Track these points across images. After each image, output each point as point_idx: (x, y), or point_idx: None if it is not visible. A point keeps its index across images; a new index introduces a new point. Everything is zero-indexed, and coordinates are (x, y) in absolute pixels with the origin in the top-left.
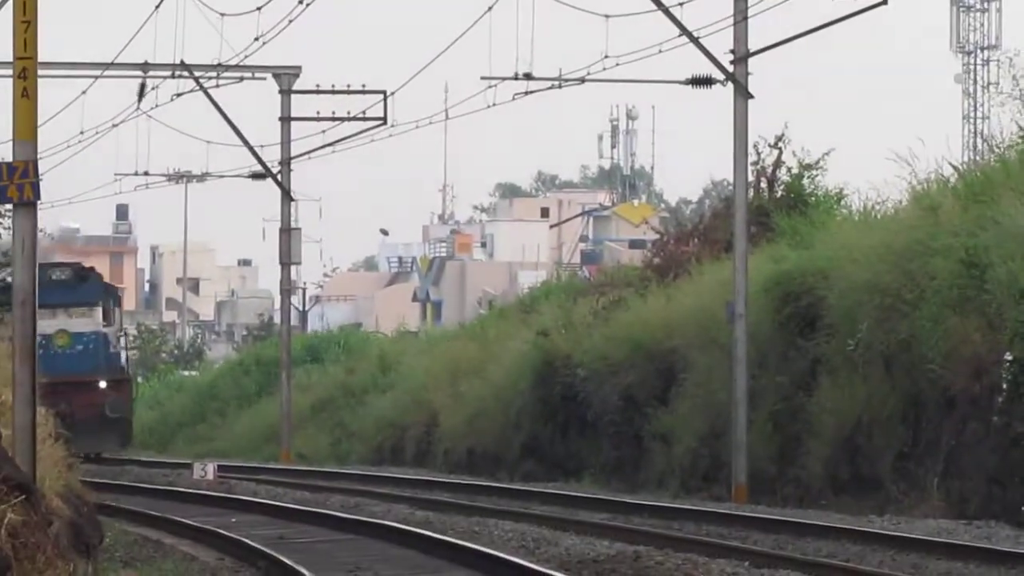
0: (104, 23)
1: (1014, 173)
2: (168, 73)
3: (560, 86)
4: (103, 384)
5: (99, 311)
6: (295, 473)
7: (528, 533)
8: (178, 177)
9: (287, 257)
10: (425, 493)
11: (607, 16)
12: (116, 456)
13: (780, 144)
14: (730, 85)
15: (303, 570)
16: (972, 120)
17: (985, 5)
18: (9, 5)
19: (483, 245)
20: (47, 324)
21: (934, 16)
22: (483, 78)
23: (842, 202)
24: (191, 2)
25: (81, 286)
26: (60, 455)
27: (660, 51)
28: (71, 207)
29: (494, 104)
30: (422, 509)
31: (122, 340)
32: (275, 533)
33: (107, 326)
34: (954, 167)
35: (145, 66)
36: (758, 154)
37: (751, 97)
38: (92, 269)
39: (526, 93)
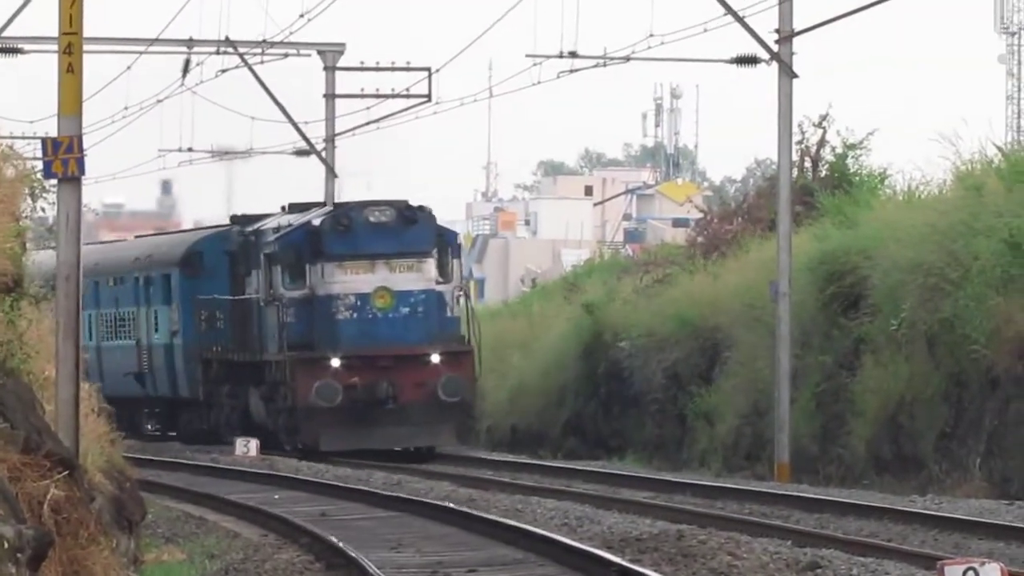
0: None
1: None
2: (213, 49)
3: (605, 64)
4: (436, 358)
5: (431, 263)
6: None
7: (571, 511)
8: (222, 153)
9: None
10: (467, 470)
11: None
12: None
13: (824, 124)
14: (775, 64)
15: (346, 547)
16: (1016, 101)
17: None
18: None
19: (527, 223)
20: (362, 280)
21: None
22: (528, 56)
23: (885, 182)
24: None
25: (408, 230)
26: (103, 430)
27: (705, 30)
28: (115, 183)
29: (539, 82)
30: (464, 487)
31: (462, 301)
32: (317, 510)
33: (442, 283)
34: (998, 147)
35: (190, 42)
36: (802, 133)
37: (795, 76)
38: (422, 208)
39: (571, 71)
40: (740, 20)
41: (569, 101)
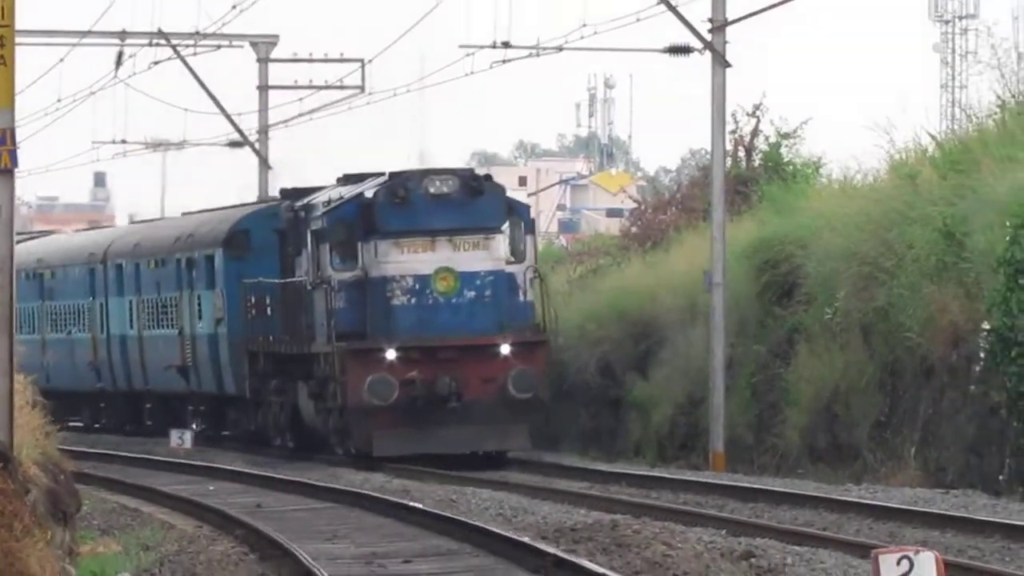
0: None
1: (992, 142)
2: (146, 41)
3: (538, 54)
4: (506, 349)
5: (501, 240)
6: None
7: (505, 501)
8: (155, 145)
9: None
10: (401, 462)
11: None
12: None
13: (758, 113)
14: (708, 54)
15: (280, 538)
16: (950, 89)
17: None
18: None
19: None
20: (422, 260)
21: None
22: (461, 46)
23: (820, 171)
24: None
25: (474, 202)
26: (37, 423)
27: (638, 19)
28: (49, 176)
29: (472, 72)
30: (399, 478)
31: (535, 284)
32: (253, 501)
33: (513, 263)
34: (932, 136)
35: (123, 34)
36: (736, 123)
37: (729, 66)
38: (489, 178)
39: (504, 61)
40: (673, 9)
41: (502, 92)
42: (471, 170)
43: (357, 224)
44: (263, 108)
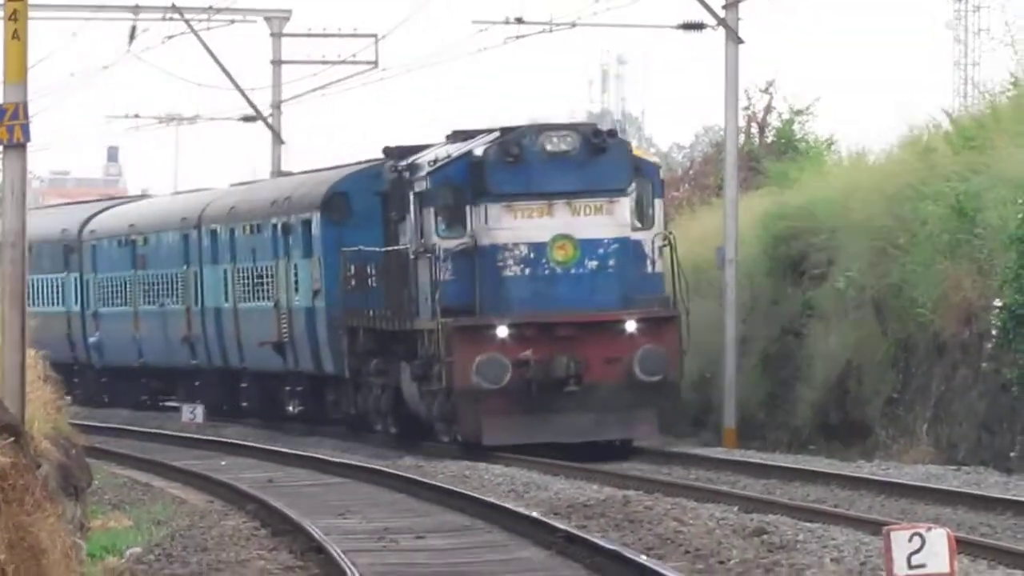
0: None
1: (1005, 119)
2: (159, 16)
3: (551, 30)
4: (632, 326)
5: (626, 203)
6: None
7: (518, 477)
8: (168, 119)
9: None
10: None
11: None
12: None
13: (770, 90)
14: (721, 30)
15: (292, 513)
16: (963, 67)
17: None
18: None
19: None
20: (537, 225)
21: None
22: (474, 22)
23: (832, 148)
24: None
25: (596, 161)
26: (49, 397)
27: None
28: (62, 150)
29: (485, 48)
30: (411, 454)
31: (666, 253)
32: (264, 477)
33: (641, 229)
34: (946, 113)
35: (136, 8)
36: (748, 99)
37: (742, 42)
38: (614, 133)
39: (517, 37)
40: None
41: (516, 67)
42: (593, 125)
43: (465, 186)
44: (276, 83)
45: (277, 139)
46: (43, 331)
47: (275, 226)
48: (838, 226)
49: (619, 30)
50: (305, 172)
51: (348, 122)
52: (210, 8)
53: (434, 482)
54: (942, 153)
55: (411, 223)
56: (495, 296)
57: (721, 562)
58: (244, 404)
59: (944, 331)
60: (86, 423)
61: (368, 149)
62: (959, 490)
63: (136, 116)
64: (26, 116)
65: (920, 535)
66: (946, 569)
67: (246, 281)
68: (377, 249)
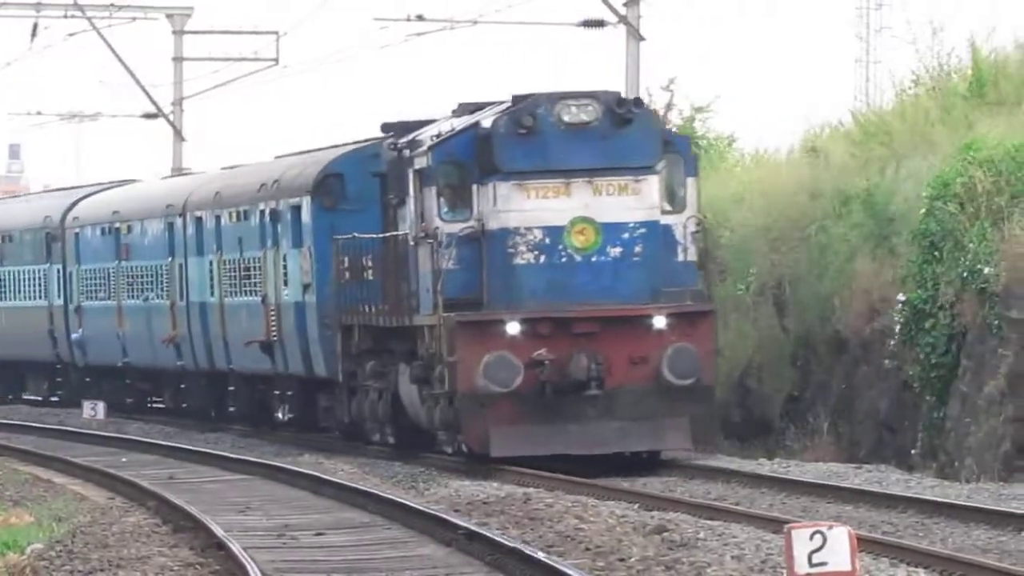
0: None
1: (908, 117)
2: (61, 13)
3: (452, 28)
4: (661, 321)
5: (655, 182)
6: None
7: (418, 475)
8: (71, 117)
9: None
10: (314, 436)
11: None
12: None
13: (671, 87)
14: (622, 27)
15: (192, 510)
16: (865, 64)
17: None
18: None
19: None
20: (553, 207)
21: None
22: (375, 19)
23: (733, 146)
24: None
25: (621, 134)
26: None
27: None
28: None
29: (386, 45)
30: (312, 451)
31: (699, 238)
32: (165, 473)
33: (672, 212)
34: (849, 111)
35: (38, 6)
36: (650, 96)
37: (643, 39)
38: (640, 103)
39: (418, 35)
40: None
41: (417, 65)
42: (616, 93)
43: (471, 162)
44: (178, 80)
45: (178, 136)
46: (23, 327)
47: (263, 212)
48: (738, 224)
49: (522, 27)
50: (297, 153)
51: (251, 120)
52: (111, 5)
53: (334, 479)
54: (842, 151)
55: (411, 205)
56: (505, 287)
57: (622, 559)
58: (231, 409)
59: (846, 328)
60: None
61: (269, 148)
62: (861, 488)
63: (38, 113)
64: None
65: (821, 533)
66: (847, 567)
67: (232, 273)
68: (373, 236)
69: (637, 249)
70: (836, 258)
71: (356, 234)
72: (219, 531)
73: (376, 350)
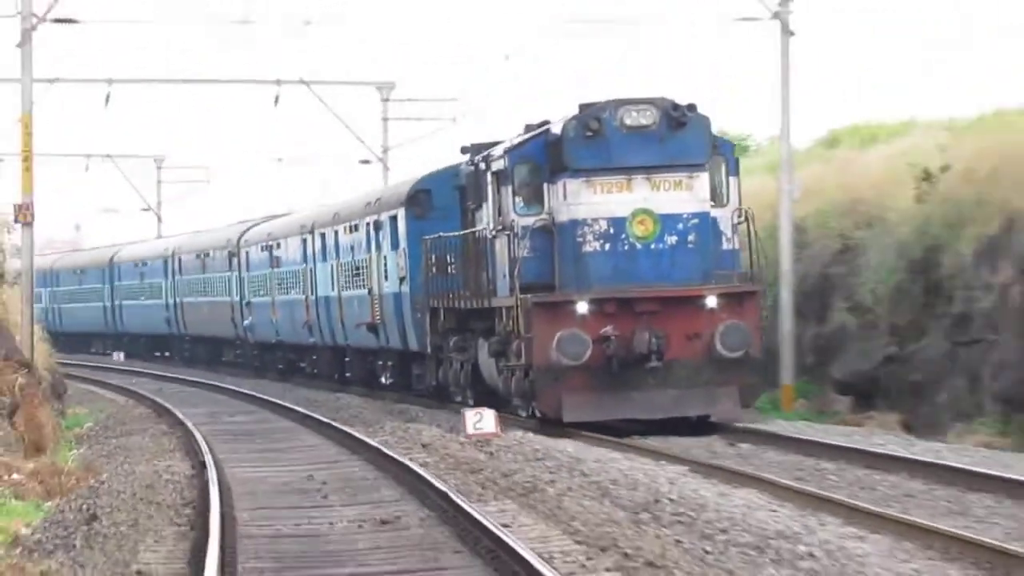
0: None
1: None
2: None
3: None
4: (713, 301)
5: (705, 178)
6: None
7: (287, 391)
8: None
9: None
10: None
11: None
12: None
13: None
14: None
15: (168, 405)
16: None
17: None
18: None
19: None
20: (617, 200)
21: None
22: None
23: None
24: None
25: (676, 136)
26: (46, 348)
27: None
28: None
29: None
30: (251, 378)
31: (740, 228)
32: (156, 387)
33: (718, 206)
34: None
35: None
36: None
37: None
38: (694, 108)
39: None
40: None
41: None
42: (672, 99)
43: (543, 164)
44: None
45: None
46: (216, 315)
47: (368, 224)
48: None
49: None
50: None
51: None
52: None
53: (241, 390)
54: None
55: (489, 203)
56: (575, 272)
57: (382, 427)
58: (348, 375)
59: None
60: (63, 361)
61: None
62: None
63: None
64: None
65: (481, 413)
66: (494, 429)
67: (347, 273)
68: (454, 234)
69: (691, 237)
70: None
71: (441, 234)
72: (181, 416)
73: (458, 328)
